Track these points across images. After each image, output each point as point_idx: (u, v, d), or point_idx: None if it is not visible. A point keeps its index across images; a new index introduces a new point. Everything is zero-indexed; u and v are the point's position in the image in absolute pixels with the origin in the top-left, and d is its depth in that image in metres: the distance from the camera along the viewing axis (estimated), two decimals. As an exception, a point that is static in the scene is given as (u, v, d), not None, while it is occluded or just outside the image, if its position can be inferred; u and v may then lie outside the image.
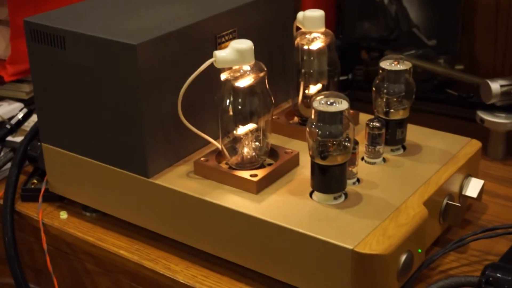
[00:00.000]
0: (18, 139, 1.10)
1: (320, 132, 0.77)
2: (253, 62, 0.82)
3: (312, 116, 0.78)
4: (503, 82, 1.03)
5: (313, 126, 0.78)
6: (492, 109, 1.05)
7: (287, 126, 0.95)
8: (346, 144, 0.78)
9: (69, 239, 0.94)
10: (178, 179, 0.85)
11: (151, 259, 0.87)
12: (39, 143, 1.00)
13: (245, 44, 0.81)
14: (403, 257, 0.75)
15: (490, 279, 0.70)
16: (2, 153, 1.09)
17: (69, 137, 0.91)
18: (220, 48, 0.89)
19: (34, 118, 1.14)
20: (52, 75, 0.89)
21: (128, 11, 0.91)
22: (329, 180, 0.79)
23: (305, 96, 0.95)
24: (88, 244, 0.92)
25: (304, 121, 0.96)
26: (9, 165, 1.05)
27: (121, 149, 0.86)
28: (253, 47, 0.81)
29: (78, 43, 0.84)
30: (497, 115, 1.05)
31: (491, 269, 0.70)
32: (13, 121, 1.11)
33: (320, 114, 0.77)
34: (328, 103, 0.78)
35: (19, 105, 1.24)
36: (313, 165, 0.80)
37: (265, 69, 0.83)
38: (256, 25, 0.94)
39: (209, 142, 0.88)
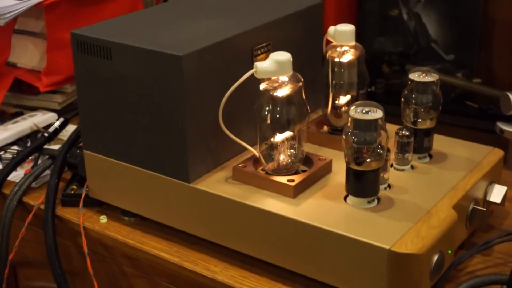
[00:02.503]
0: (53, 147, 1.15)
1: (355, 139, 0.82)
2: (291, 73, 0.86)
3: (348, 124, 0.83)
4: (522, 94, 1.07)
5: (349, 134, 0.82)
6: (511, 120, 1.09)
7: (317, 135, 0.99)
8: (379, 151, 0.82)
9: (110, 242, 0.98)
10: (217, 184, 0.90)
11: (191, 261, 0.91)
12: (78, 151, 1.04)
13: (284, 56, 0.85)
14: (435, 257, 0.80)
15: (520, 276, 0.74)
16: (39, 161, 1.14)
17: (111, 144, 0.96)
18: (256, 61, 0.93)
19: (68, 127, 1.19)
20: (97, 84, 0.94)
21: (169, 24, 0.96)
22: (364, 185, 0.84)
23: (335, 107, 0.99)
24: (129, 246, 0.96)
25: (334, 130, 1.00)
26: (47, 171, 1.09)
27: (163, 156, 0.91)
28: (291, 59, 0.86)
29: (125, 54, 0.89)
30: (517, 126, 1.09)
31: (520, 268, 0.74)
32: (51, 130, 1.15)
33: (356, 122, 0.82)
34: (364, 111, 0.82)
35: (52, 115, 1.28)
36: (348, 170, 0.84)
37: (302, 79, 0.87)
38: (289, 39, 0.99)
39: (244, 149, 0.93)
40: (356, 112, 0.82)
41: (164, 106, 0.88)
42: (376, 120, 0.82)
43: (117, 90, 0.92)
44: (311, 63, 1.04)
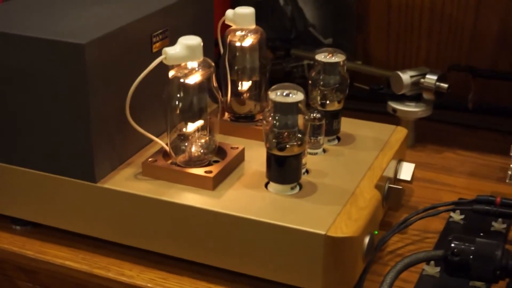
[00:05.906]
0: None
1: (277, 124, 0.78)
2: (202, 58, 0.81)
3: (268, 108, 0.79)
4: (412, 73, 1.09)
5: (270, 118, 0.79)
6: (402, 99, 1.11)
7: (220, 124, 0.94)
8: (300, 135, 0.79)
9: (1, 256, 0.88)
10: (127, 181, 0.83)
11: (101, 267, 0.84)
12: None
13: (194, 40, 0.80)
14: (367, 239, 0.78)
15: (456, 250, 0.73)
16: None
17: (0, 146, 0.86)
18: (155, 48, 0.88)
19: None
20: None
21: (56, 12, 0.87)
22: (286, 171, 0.80)
23: (236, 94, 0.95)
24: (26, 258, 0.87)
25: (236, 117, 0.96)
26: None
27: (64, 155, 0.82)
28: (202, 43, 0.81)
29: (11, 45, 0.80)
30: (408, 104, 1.10)
31: (455, 241, 0.74)
32: None
33: (277, 105, 0.78)
34: (284, 94, 0.79)
35: None
36: (270, 157, 0.80)
37: (213, 64, 0.83)
38: (184, 24, 0.94)
39: (147, 142, 0.88)
40: (276, 95, 0.79)
41: (64, 101, 0.80)
42: (297, 103, 0.78)
43: (4, 86, 0.82)
44: (205, 49, 0.99)
